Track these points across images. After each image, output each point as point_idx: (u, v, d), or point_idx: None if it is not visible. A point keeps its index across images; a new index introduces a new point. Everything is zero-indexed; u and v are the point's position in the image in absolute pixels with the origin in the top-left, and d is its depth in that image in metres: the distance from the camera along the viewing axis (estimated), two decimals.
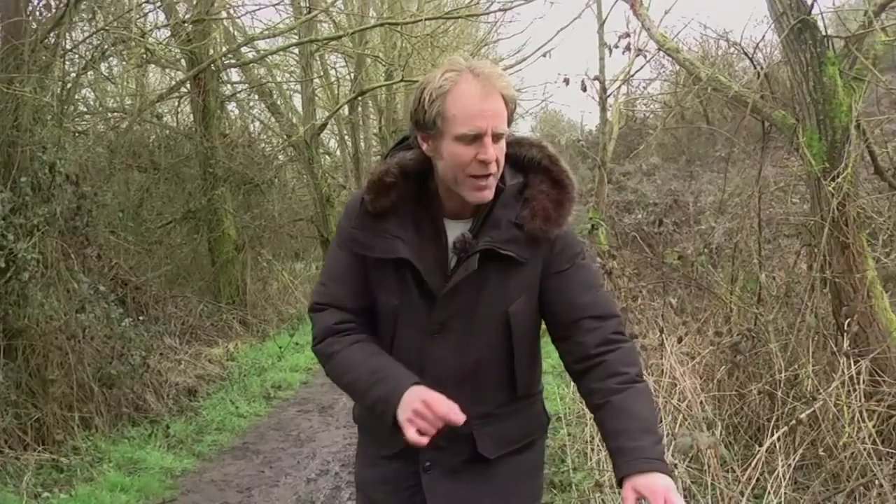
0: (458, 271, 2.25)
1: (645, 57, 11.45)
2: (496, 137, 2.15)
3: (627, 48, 8.37)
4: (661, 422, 5.25)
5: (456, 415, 2.11)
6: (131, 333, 7.63)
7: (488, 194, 2.21)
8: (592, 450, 5.58)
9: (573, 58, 17.31)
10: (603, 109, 14.41)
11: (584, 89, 9.96)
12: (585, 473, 5.50)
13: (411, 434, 2.10)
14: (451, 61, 2.23)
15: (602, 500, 4.90)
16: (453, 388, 2.23)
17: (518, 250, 2.25)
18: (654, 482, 2.03)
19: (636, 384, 2.23)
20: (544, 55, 12.52)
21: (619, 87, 15.80)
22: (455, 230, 2.29)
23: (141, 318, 8.56)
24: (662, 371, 5.83)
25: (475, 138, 2.13)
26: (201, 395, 8.56)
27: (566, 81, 9.84)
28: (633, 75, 15.78)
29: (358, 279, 2.34)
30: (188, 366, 9.14)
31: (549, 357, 8.87)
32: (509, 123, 2.20)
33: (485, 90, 2.14)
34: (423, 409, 2.10)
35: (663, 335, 6.26)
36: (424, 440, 2.11)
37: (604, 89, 13.40)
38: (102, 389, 7.25)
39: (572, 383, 7.00)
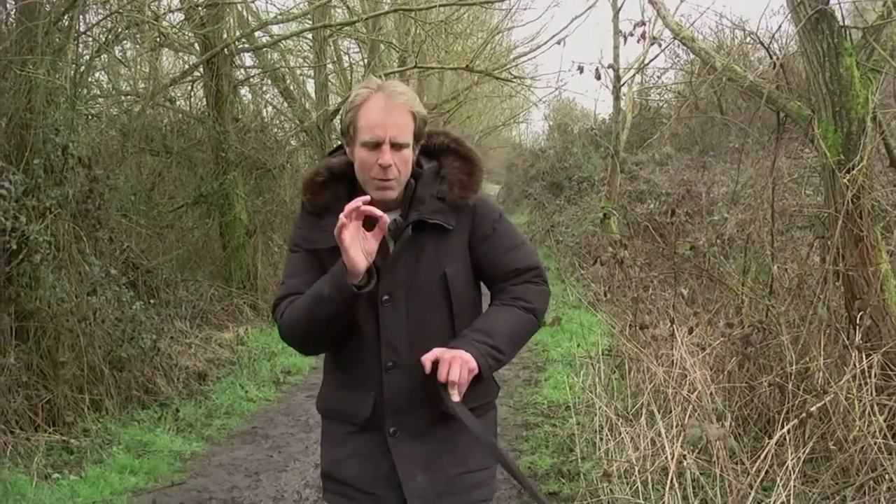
0: (397, 244, 2.58)
1: (660, 46, 11.42)
2: (396, 147, 2.49)
3: (642, 37, 8.31)
4: (671, 412, 5.24)
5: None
6: (142, 316, 7.66)
7: (391, 194, 2.55)
8: (601, 439, 5.57)
9: (588, 46, 17.23)
10: (616, 98, 14.37)
11: (599, 77, 9.90)
12: (594, 463, 5.49)
13: (345, 221, 2.35)
14: (368, 80, 2.63)
15: (610, 489, 4.89)
16: (408, 352, 2.56)
17: (444, 219, 2.59)
18: (451, 349, 2.47)
19: (520, 308, 2.67)
20: (559, 43, 12.47)
21: (634, 76, 15.76)
22: (388, 218, 2.48)
23: (152, 301, 8.58)
24: (673, 362, 5.81)
25: (376, 145, 2.48)
26: (211, 379, 8.58)
27: (580, 69, 9.79)
28: (647, 64, 15.75)
29: (312, 271, 2.62)
30: (198, 349, 9.16)
31: (560, 346, 8.84)
32: (419, 136, 2.58)
33: (388, 105, 2.49)
34: (347, 214, 2.36)
35: (674, 326, 6.24)
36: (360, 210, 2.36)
37: (618, 78, 13.35)
38: (113, 372, 7.28)
39: (582, 373, 7.03)
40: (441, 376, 2.43)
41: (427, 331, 2.61)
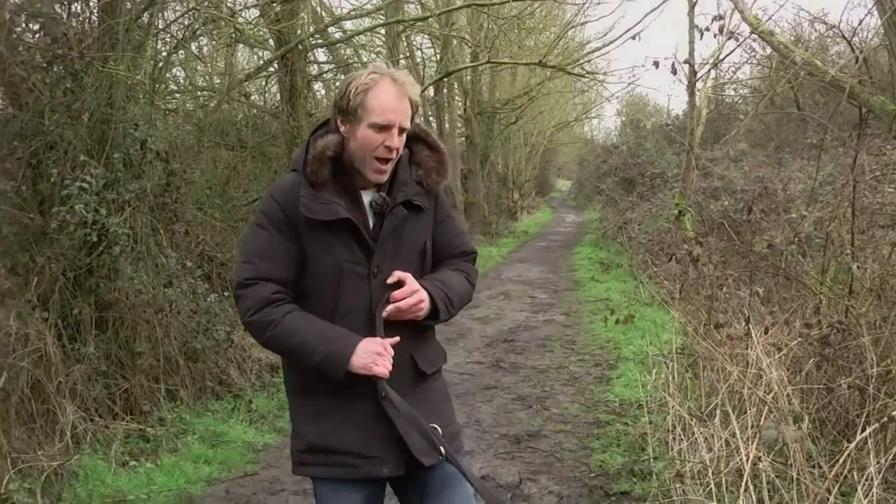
0: (388, 221, 2.85)
1: (737, 40, 11.20)
2: (401, 131, 2.77)
3: (720, 31, 8.18)
4: (746, 413, 5.15)
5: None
6: (216, 309, 7.77)
7: (384, 176, 2.83)
8: (674, 439, 5.49)
9: (661, 41, 17.03)
10: (691, 94, 14.17)
11: (675, 73, 9.77)
12: (666, 463, 5.42)
13: (380, 370, 2.70)
14: (375, 65, 2.87)
15: (683, 490, 4.83)
16: (395, 320, 2.82)
17: (422, 201, 2.92)
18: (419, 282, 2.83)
19: (467, 280, 3.05)
20: (633, 37, 12.36)
21: (709, 71, 15.53)
22: (366, 197, 2.87)
23: (226, 293, 8.69)
24: (748, 362, 5.70)
25: (384, 128, 2.74)
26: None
27: (655, 64, 9.67)
28: (722, 59, 15.49)
29: (285, 253, 2.81)
30: None
31: (631, 344, 8.76)
32: (411, 121, 2.83)
33: (400, 93, 2.76)
34: (383, 350, 2.72)
35: (750, 325, 6.13)
36: (387, 373, 2.71)
37: (693, 73, 13.15)
38: (188, 363, 7.39)
39: (654, 371, 6.95)
40: (395, 296, 2.78)
41: None
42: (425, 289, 2.83)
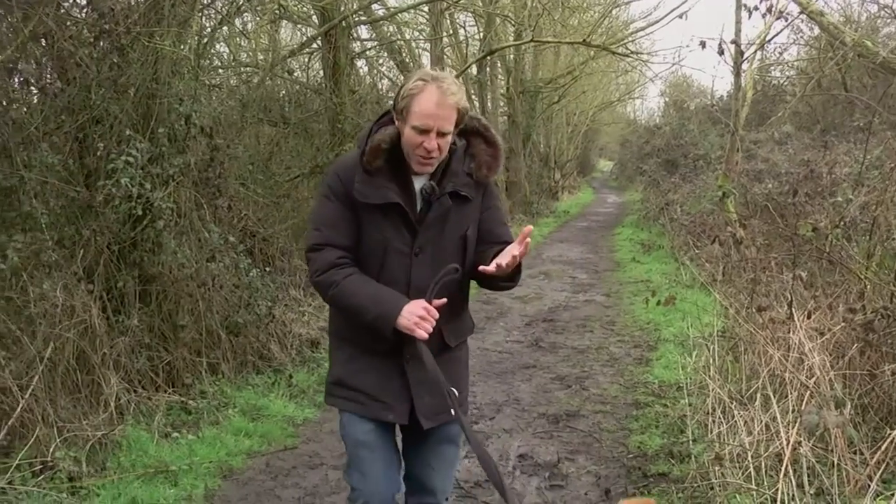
0: (434, 208, 3.16)
1: (785, 20, 11.01)
2: (441, 134, 3.04)
3: (768, 11, 8.06)
4: (787, 397, 5.11)
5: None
6: (258, 284, 7.83)
7: (429, 168, 3.14)
8: (713, 422, 5.47)
9: (707, 21, 16.83)
10: (737, 75, 13.96)
11: (721, 53, 9.65)
12: (705, 445, 5.40)
13: (421, 333, 3.03)
14: (423, 71, 3.17)
15: (722, 473, 4.81)
16: (429, 296, 3.11)
17: (469, 192, 3.22)
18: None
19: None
20: (680, 17, 12.20)
21: (755, 52, 15.31)
22: (418, 183, 3.18)
23: (267, 269, 8.75)
24: (790, 346, 5.65)
25: (423, 131, 3.02)
26: (323, 347, 8.71)
27: (702, 45, 9.58)
28: (769, 40, 15.28)
29: (348, 223, 3.19)
30: (311, 318, 9.32)
31: (672, 326, 8.72)
32: (459, 124, 3.12)
33: (440, 101, 3.00)
34: (426, 314, 3.04)
35: (792, 309, 6.07)
36: (425, 335, 3.04)
37: (740, 53, 12.97)
38: (229, 337, 7.46)
39: (695, 353, 6.92)
40: (521, 243, 2.98)
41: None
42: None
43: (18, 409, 5.10)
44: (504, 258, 2.98)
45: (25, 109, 6.36)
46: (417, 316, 3.04)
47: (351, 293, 3.14)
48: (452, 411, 3.04)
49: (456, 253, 3.22)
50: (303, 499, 5.21)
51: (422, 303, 3.07)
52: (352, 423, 3.38)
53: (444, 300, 3.12)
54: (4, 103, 5.91)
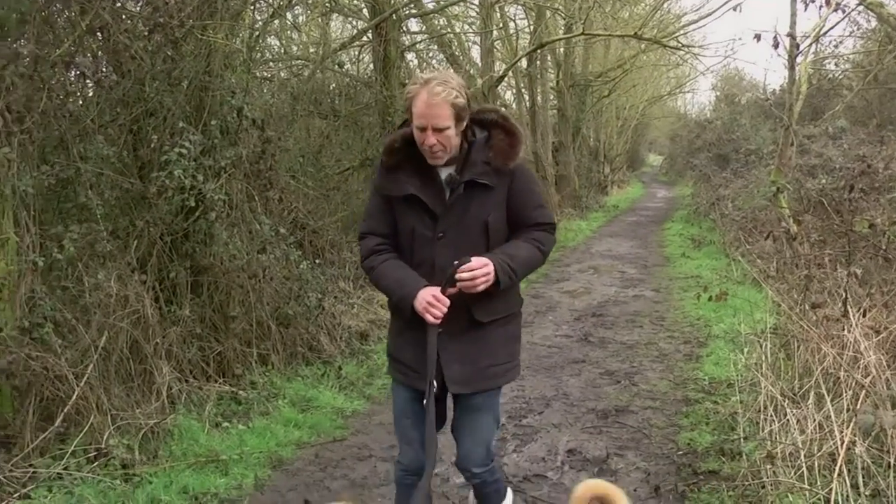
0: (453, 195, 3.49)
1: (843, 12, 10.81)
2: (438, 130, 3.36)
3: (825, 3, 7.92)
4: (841, 396, 5.03)
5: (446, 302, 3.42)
6: (308, 275, 7.87)
7: (438, 161, 3.46)
8: (765, 419, 5.39)
9: (760, 13, 16.57)
10: (791, 68, 13.75)
11: (776, 46, 9.50)
12: (757, 443, 5.33)
13: (429, 318, 3.40)
14: (417, 76, 3.49)
15: (773, 472, 4.74)
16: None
17: (489, 179, 3.48)
18: (483, 258, 3.40)
19: (536, 247, 3.57)
20: (734, 9, 12.03)
21: (810, 45, 15.06)
22: (444, 173, 3.51)
23: (317, 261, 8.80)
24: (845, 344, 5.56)
25: (422, 129, 3.38)
26: (372, 339, 8.76)
27: (757, 38, 9.44)
28: (825, 32, 15.03)
29: (385, 214, 3.63)
30: (360, 310, 9.36)
31: (722, 322, 8.63)
32: (460, 118, 3.40)
33: (429, 101, 3.33)
34: (434, 301, 3.39)
35: (847, 306, 5.97)
36: (437, 322, 3.41)
37: (795, 46, 12.77)
38: (279, 328, 7.51)
39: (746, 350, 6.83)
40: (460, 272, 3.36)
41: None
42: (492, 261, 3.41)
43: (74, 396, 5.19)
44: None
45: (81, 102, 6.45)
46: (426, 302, 3.41)
47: (383, 276, 3.59)
48: (431, 387, 3.47)
49: (479, 237, 3.52)
50: (351, 490, 5.23)
51: (433, 290, 3.42)
52: (396, 392, 3.83)
53: (457, 289, 3.40)
54: (62, 96, 5.98)
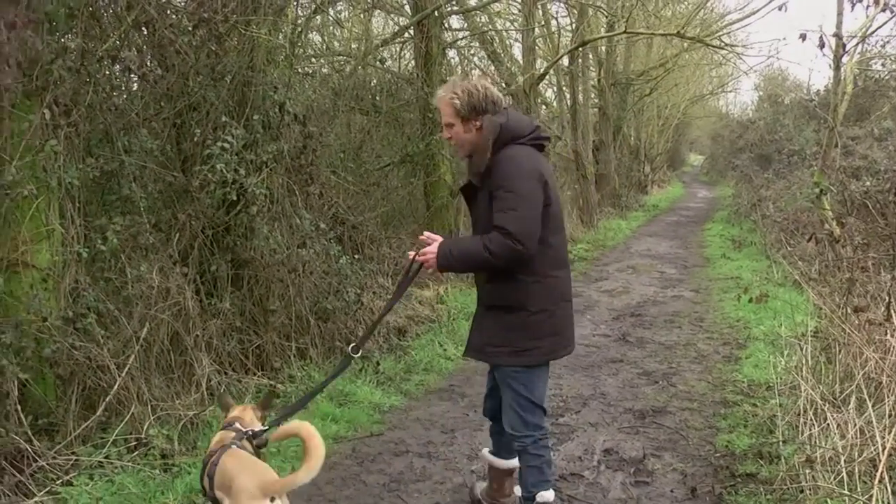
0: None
1: (892, 11, 10.64)
2: (448, 125, 4.11)
3: (874, 2, 7.81)
4: (884, 401, 4.96)
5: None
6: (347, 270, 7.90)
7: (460, 153, 4.22)
8: (805, 423, 5.34)
9: (804, 12, 16.38)
10: (837, 69, 13.57)
11: (822, 46, 9.38)
12: (796, 447, 5.28)
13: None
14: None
15: (812, 476, 4.69)
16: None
17: (475, 181, 4.11)
18: (437, 241, 4.16)
19: (483, 245, 3.93)
20: (779, 8, 11.89)
21: (857, 44, 14.86)
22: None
23: (357, 256, 8.82)
24: (888, 348, 5.50)
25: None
26: (410, 336, 8.78)
27: (802, 37, 9.33)
28: (872, 32, 14.82)
29: None
30: (399, 306, 9.37)
31: (762, 324, 8.54)
32: (463, 116, 4.05)
33: (437, 101, 4.15)
34: (424, 239, 4.21)
35: (891, 310, 5.90)
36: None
37: (842, 46, 12.60)
38: (318, 322, 7.56)
39: (786, 353, 6.76)
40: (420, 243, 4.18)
41: None
42: (440, 244, 4.11)
43: (115, 386, 5.26)
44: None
45: (126, 96, 6.53)
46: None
47: None
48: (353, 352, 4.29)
49: (488, 225, 3.97)
50: (388, 485, 5.25)
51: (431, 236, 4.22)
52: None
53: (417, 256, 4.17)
54: (107, 90, 6.06)
